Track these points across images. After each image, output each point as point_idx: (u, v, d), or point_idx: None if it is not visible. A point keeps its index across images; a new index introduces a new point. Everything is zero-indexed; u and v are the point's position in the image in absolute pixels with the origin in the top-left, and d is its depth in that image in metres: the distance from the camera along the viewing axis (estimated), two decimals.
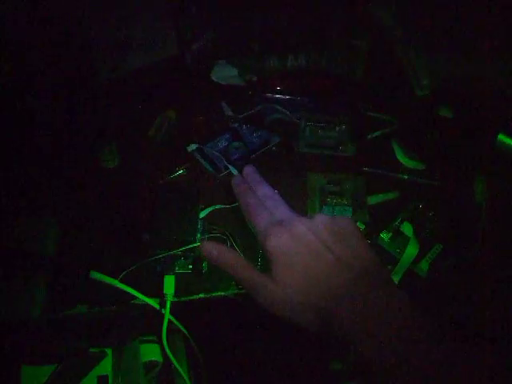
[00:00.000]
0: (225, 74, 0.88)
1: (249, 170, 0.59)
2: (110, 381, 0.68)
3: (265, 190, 0.55)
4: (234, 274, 0.47)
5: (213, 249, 0.49)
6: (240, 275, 0.47)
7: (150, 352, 0.71)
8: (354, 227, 0.48)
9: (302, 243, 0.46)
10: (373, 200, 0.77)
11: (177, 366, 0.66)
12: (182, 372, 0.66)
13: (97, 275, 0.62)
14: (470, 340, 0.40)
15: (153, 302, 0.64)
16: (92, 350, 0.70)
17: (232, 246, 0.69)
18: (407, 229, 0.73)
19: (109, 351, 0.70)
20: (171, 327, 0.65)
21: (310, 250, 0.45)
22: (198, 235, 0.69)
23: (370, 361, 0.40)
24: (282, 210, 0.51)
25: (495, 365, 0.38)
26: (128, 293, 0.63)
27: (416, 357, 0.38)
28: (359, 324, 0.41)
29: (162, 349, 0.66)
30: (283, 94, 0.88)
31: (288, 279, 0.45)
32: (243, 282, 0.47)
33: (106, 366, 0.69)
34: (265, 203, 0.52)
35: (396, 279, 0.69)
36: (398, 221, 0.74)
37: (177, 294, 0.65)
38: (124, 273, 0.64)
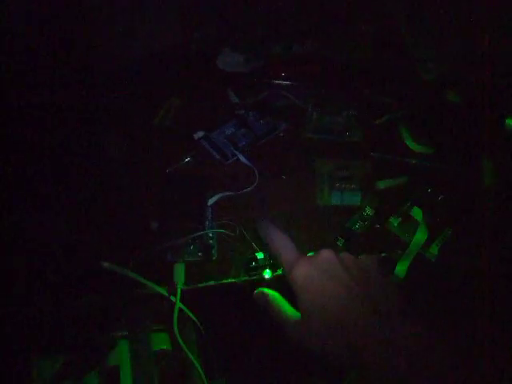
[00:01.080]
0: (230, 60, 0.88)
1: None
2: (121, 370, 0.67)
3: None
4: (270, 316, 0.51)
5: (257, 295, 0.54)
6: (274, 317, 0.50)
7: (161, 341, 0.71)
8: (376, 264, 0.49)
9: (327, 275, 0.47)
10: (382, 185, 0.76)
11: (188, 354, 0.65)
12: (193, 360, 0.66)
13: (107, 264, 0.61)
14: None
15: (163, 291, 0.64)
16: (102, 339, 0.70)
17: (241, 232, 0.68)
18: (417, 213, 0.72)
19: (119, 341, 0.70)
20: (182, 315, 0.65)
21: (334, 280, 0.46)
22: (207, 222, 0.69)
23: None
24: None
25: None
26: (138, 281, 0.62)
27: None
28: (385, 364, 0.41)
29: (173, 337, 0.65)
30: (290, 81, 0.87)
31: (315, 322, 0.45)
32: (278, 323, 0.49)
33: (116, 356, 0.68)
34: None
35: (406, 264, 0.69)
36: (408, 205, 0.73)
37: (187, 281, 0.65)
38: (134, 261, 0.64)
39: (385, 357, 0.42)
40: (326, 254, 0.49)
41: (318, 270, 0.47)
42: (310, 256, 0.50)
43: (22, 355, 0.66)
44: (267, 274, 0.65)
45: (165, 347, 0.71)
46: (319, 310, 0.45)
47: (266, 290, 0.55)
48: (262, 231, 0.58)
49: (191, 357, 0.65)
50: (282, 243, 0.53)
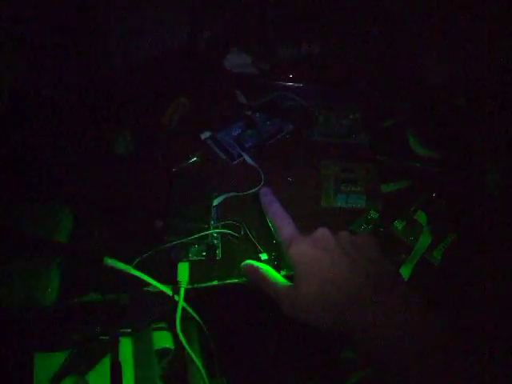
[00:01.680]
0: (238, 61, 0.88)
1: (265, 191, 0.65)
2: (123, 367, 0.68)
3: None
4: (263, 287, 0.54)
5: (247, 267, 0.59)
6: (267, 287, 0.54)
7: (163, 339, 0.71)
8: (373, 240, 0.53)
9: (322, 248, 0.51)
10: (386, 188, 0.76)
11: (190, 353, 0.65)
12: (195, 359, 0.66)
13: (110, 262, 0.61)
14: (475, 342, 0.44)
15: (166, 289, 0.64)
16: (105, 337, 0.70)
17: (245, 233, 0.68)
18: (421, 217, 0.72)
19: (122, 338, 0.70)
20: (185, 314, 0.64)
21: (328, 255, 0.50)
22: (212, 222, 0.69)
23: (377, 359, 0.44)
24: None
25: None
26: (141, 280, 0.62)
27: (424, 360, 0.42)
28: (370, 326, 0.44)
29: (175, 336, 0.66)
30: (297, 82, 0.87)
31: (308, 286, 0.49)
32: (271, 293, 0.53)
33: (119, 353, 0.69)
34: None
35: (409, 267, 0.69)
36: (412, 209, 0.73)
37: (190, 281, 0.65)
38: (138, 260, 0.64)
39: (368, 321, 0.44)
40: (322, 231, 0.53)
41: (314, 246, 0.51)
42: (306, 234, 0.54)
43: (24, 351, 0.66)
44: (264, 255, 0.65)
45: (167, 346, 0.71)
46: (312, 277, 0.49)
47: (254, 263, 0.60)
48: (263, 201, 0.62)
49: (193, 356, 0.66)
50: (282, 220, 0.58)
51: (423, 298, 0.47)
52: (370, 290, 0.46)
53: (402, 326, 0.43)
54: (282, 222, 0.57)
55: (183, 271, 0.65)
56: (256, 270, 0.58)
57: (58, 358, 0.67)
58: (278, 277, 0.55)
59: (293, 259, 0.52)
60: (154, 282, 0.63)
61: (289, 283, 0.52)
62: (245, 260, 0.64)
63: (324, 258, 0.50)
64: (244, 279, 0.66)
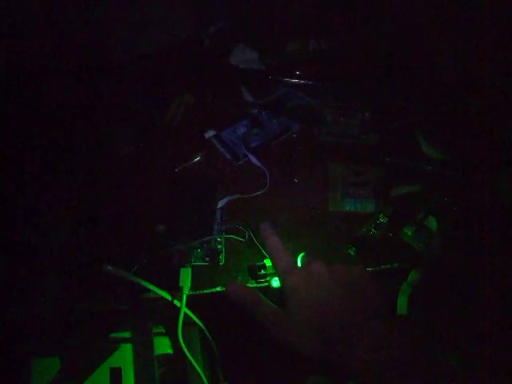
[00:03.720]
0: (244, 57, 0.85)
1: (265, 225, 0.63)
2: (122, 373, 0.67)
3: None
4: (253, 309, 0.54)
5: (237, 288, 0.56)
6: (258, 310, 0.54)
7: (164, 345, 0.70)
8: (367, 274, 0.54)
9: (315, 283, 0.52)
10: (396, 192, 0.74)
11: (191, 359, 0.64)
12: (196, 366, 0.65)
13: (110, 268, 0.60)
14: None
15: (167, 295, 0.62)
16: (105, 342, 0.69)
17: (250, 237, 0.67)
18: (431, 223, 0.70)
19: (123, 343, 0.69)
20: (186, 320, 0.63)
21: (321, 290, 0.51)
22: (215, 226, 0.67)
23: None
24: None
25: None
26: (142, 285, 0.61)
27: None
28: (360, 361, 0.45)
29: (176, 342, 0.64)
30: (305, 80, 0.84)
31: (300, 314, 0.51)
32: (261, 316, 0.53)
33: (118, 358, 0.68)
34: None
35: (419, 274, 0.67)
36: (422, 214, 0.71)
37: (193, 286, 0.64)
38: (138, 265, 0.62)
39: (356, 353, 0.46)
40: (316, 266, 0.54)
41: (308, 280, 0.52)
42: (301, 267, 0.56)
43: (22, 356, 0.65)
44: (276, 282, 0.63)
45: (168, 351, 0.70)
46: (303, 308, 0.51)
47: (243, 284, 0.62)
48: (263, 234, 0.61)
49: (193, 361, 0.64)
50: (279, 253, 0.58)
51: (418, 334, 0.48)
52: (362, 325, 0.48)
53: (392, 364, 0.45)
54: (278, 255, 0.58)
55: (185, 277, 0.64)
56: (244, 289, 0.57)
57: (56, 364, 0.66)
58: (268, 301, 0.55)
59: (287, 292, 0.53)
60: (154, 288, 0.61)
61: (280, 310, 0.53)
62: (248, 265, 0.66)
63: (317, 292, 0.51)
64: (249, 285, 0.65)
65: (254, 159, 0.74)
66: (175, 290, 0.63)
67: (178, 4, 0.81)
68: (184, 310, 0.62)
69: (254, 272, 0.64)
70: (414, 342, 0.46)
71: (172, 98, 0.81)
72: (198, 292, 0.64)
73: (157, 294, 0.62)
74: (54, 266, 0.63)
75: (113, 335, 0.69)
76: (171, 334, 0.71)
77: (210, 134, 0.77)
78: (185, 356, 0.65)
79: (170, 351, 0.71)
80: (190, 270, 0.64)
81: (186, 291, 0.62)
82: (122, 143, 0.75)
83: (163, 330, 0.71)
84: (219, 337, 0.68)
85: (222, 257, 0.66)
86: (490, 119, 0.80)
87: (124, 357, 0.68)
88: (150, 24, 0.79)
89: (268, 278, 0.64)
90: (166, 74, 0.83)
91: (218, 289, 0.65)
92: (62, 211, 0.67)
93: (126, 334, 0.69)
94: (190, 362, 0.65)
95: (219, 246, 0.67)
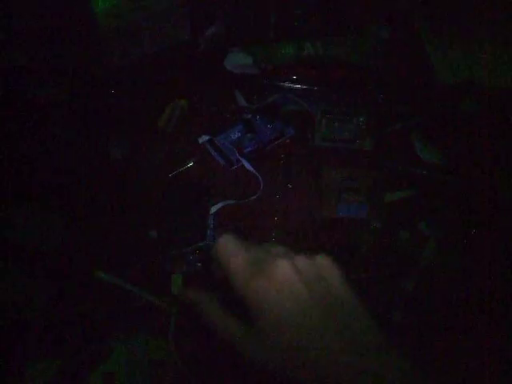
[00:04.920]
0: (239, 62, 0.85)
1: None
2: (116, 378, 0.67)
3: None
4: (211, 322, 0.47)
5: (193, 294, 0.49)
6: (217, 324, 0.46)
7: (157, 350, 0.70)
8: (334, 267, 0.46)
9: (285, 289, 0.43)
10: (391, 197, 0.74)
11: (182, 365, 0.64)
12: (187, 371, 0.65)
13: (101, 274, 0.60)
14: None
15: (160, 301, 0.62)
16: (98, 346, 0.69)
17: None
18: (426, 228, 0.70)
19: (116, 348, 0.69)
20: (180, 325, 0.63)
21: (293, 297, 0.43)
22: (208, 232, 0.67)
23: None
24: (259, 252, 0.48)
25: None
26: (134, 291, 0.61)
27: None
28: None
29: (169, 348, 0.64)
30: (299, 84, 0.84)
31: (268, 330, 0.42)
32: (222, 333, 0.46)
33: (112, 364, 0.68)
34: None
35: (413, 281, 0.67)
36: (417, 219, 0.71)
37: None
38: (130, 271, 0.62)
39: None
40: (284, 269, 0.44)
41: (276, 286, 0.43)
42: (266, 270, 0.44)
43: (16, 359, 0.66)
44: None
45: (160, 357, 0.70)
46: (275, 326, 0.42)
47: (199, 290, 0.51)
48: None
49: (185, 367, 0.64)
50: (233, 251, 0.48)
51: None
52: (343, 343, 0.41)
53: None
54: (231, 254, 0.47)
55: (177, 283, 0.64)
56: (204, 299, 0.49)
57: (50, 368, 0.66)
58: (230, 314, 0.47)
59: (251, 298, 0.44)
60: (145, 295, 0.61)
61: (247, 325, 0.44)
62: None
63: (288, 305, 0.43)
64: None
65: (247, 164, 0.74)
66: (167, 296, 0.63)
67: (173, 8, 0.81)
68: (175, 316, 0.62)
69: None
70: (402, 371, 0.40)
71: (166, 102, 0.80)
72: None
73: (149, 300, 0.62)
74: (47, 270, 0.63)
75: (107, 340, 0.69)
76: (165, 339, 0.71)
77: (203, 139, 0.77)
78: (178, 361, 0.65)
79: (163, 357, 0.71)
80: (180, 276, 0.64)
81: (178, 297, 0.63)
82: (116, 147, 0.74)
83: (157, 335, 0.71)
84: (211, 344, 0.68)
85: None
86: (486, 123, 0.80)
87: (118, 362, 0.68)
88: (144, 28, 0.79)
89: None
90: (160, 79, 0.83)
91: None
92: (54, 216, 0.67)
93: (120, 339, 0.69)
94: (182, 367, 0.65)
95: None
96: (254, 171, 0.74)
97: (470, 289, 0.69)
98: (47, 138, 0.75)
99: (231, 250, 0.47)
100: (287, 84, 0.84)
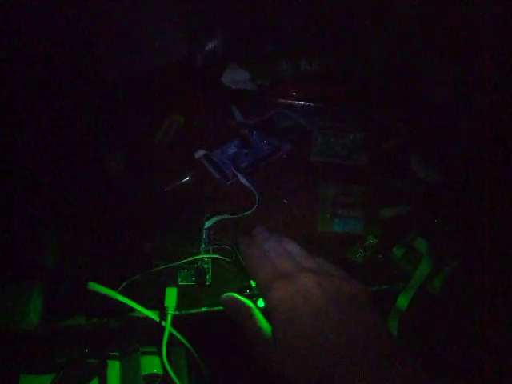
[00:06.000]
0: (236, 77, 0.86)
1: (258, 230, 0.62)
2: None
3: (270, 244, 0.56)
4: (242, 328, 0.49)
5: (230, 301, 0.54)
6: (246, 331, 0.49)
7: (151, 364, 0.69)
8: (365, 294, 0.48)
9: (305, 298, 0.46)
10: (386, 213, 0.74)
11: (176, 380, 0.63)
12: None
13: (95, 286, 0.59)
14: None
15: (153, 315, 0.62)
16: (92, 360, 0.69)
17: (237, 258, 0.66)
18: (421, 245, 0.70)
19: (109, 362, 0.68)
20: (173, 340, 0.63)
21: (312, 307, 0.45)
22: (203, 246, 0.67)
23: None
24: (286, 263, 0.52)
25: None
26: (128, 304, 0.61)
27: None
28: None
29: (163, 361, 0.64)
30: (296, 100, 0.85)
31: (289, 340, 0.44)
32: (248, 339, 0.48)
33: (105, 377, 0.67)
34: (269, 256, 0.53)
35: (408, 297, 0.66)
36: (412, 236, 0.71)
37: (179, 306, 0.63)
38: (124, 284, 0.62)
39: None
40: (304, 279, 0.48)
41: (294, 296, 0.46)
42: (286, 278, 0.48)
43: (9, 372, 0.65)
44: (262, 303, 0.62)
45: (155, 371, 0.69)
46: (290, 330, 0.44)
47: (238, 297, 0.55)
48: (241, 247, 0.59)
49: (177, 382, 0.63)
50: (259, 262, 0.53)
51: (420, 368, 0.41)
52: (354, 353, 0.42)
53: None
54: (257, 265, 0.53)
55: (171, 296, 0.63)
56: (238, 306, 0.53)
57: (43, 381, 0.65)
58: (260, 318, 0.50)
59: (270, 310, 0.47)
60: (139, 308, 0.61)
61: (269, 331, 0.47)
62: (235, 285, 0.63)
63: (306, 313, 0.45)
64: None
65: (243, 179, 0.74)
66: (161, 310, 0.63)
67: (171, 24, 0.82)
68: (169, 329, 0.61)
69: (240, 293, 0.64)
70: (416, 378, 0.40)
71: (163, 117, 0.81)
72: (183, 312, 0.64)
73: (143, 313, 0.62)
74: (41, 282, 0.62)
75: (100, 354, 0.69)
76: (158, 353, 0.71)
77: (199, 154, 0.77)
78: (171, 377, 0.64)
79: (157, 371, 0.70)
80: (175, 289, 0.64)
81: (172, 311, 0.62)
82: (112, 161, 0.75)
83: (153, 350, 0.71)
84: (208, 358, 0.67)
85: (208, 277, 0.66)
86: (482, 140, 0.80)
87: (111, 376, 0.67)
88: (143, 44, 0.80)
89: (254, 299, 0.63)
90: (158, 94, 0.83)
91: (204, 309, 0.64)
92: (49, 229, 0.67)
93: (114, 353, 0.68)
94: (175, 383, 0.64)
95: (206, 266, 0.66)
96: (250, 186, 0.74)
97: (466, 304, 0.68)
98: (44, 152, 0.75)
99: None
100: (284, 100, 0.85)
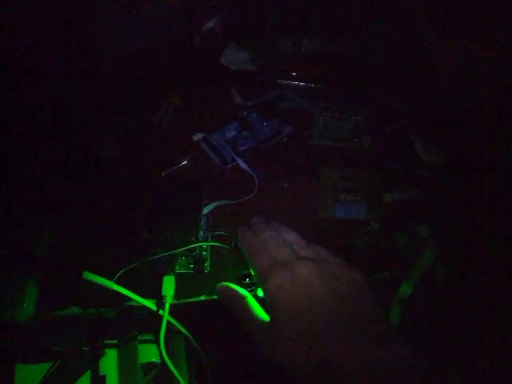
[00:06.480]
0: (235, 58, 0.83)
1: (255, 219, 0.63)
2: (107, 381, 0.66)
3: (268, 233, 0.58)
4: (240, 316, 0.51)
5: (226, 290, 0.56)
6: (244, 318, 0.50)
7: (149, 353, 0.69)
8: (362, 279, 0.50)
9: (301, 285, 0.47)
10: (389, 197, 0.72)
11: (173, 370, 0.62)
12: (178, 376, 0.63)
13: (90, 276, 0.58)
14: None
15: (150, 304, 0.61)
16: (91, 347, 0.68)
17: (236, 245, 0.65)
18: (425, 230, 0.68)
19: (107, 351, 0.68)
20: (171, 328, 0.62)
21: (311, 295, 0.46)
22: (201, 233, 0.65)
23: None
24: (284, 252, 0.53)
25: None
26: (124, 293, 0.60)
27: None
28: (358, 374, 0.40)
29: (161, 351, 0.63)
30: (297, 81, 0.82)
31: (289, 328, 0.45)
32: (247, 327, 0.50)
33: (103, 366, 0.66)
34: (267, 245, 0.55)
35: (411, 285, 0.65)
36: (416, 221, 0.69)
37: (177, 295, 0.62)
38: (120, 273, 0.61)
39: (354, 374, 0.40)
40: (301, 267, 0.49)
41: (292, 283, 0.48)
42: (284, 266, 0.50)
43: (5, 362, 0.64)
44: (261, 292, 0.61)
45: (153, 359, 0.69)
46: (289, 318, 0.45)
47: (233, 286, 0.57)
48: (239, 236, 0.60)
49: (175, 372, 0.63)
50: (257, 250, 0.55)
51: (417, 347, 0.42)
52: (356, 339, 0.43)
53: (390, 379, 0.39)
54: (255, 253, 0.55)
55: (169, 285, 0.62)
56: (234, 296, 0.54)
57: (40, 371, 0.65)
58: (256, 307, 0.51)
59: (268, 297, 0.49)
60: (136, 297, 0.60)
61: (267, 320, 0.48)
62: (234, 273, 0.63)
63: (304, 299, 0.46)
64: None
65: (242, 163, 0.73)
66: (159, 299, 0.61)
67: (168, 3, 0.80)
68: (167, 318, 0.60)
69: (239, 281, 0.63)
70: (414, 356, 0.41)
71: (160, 99, 0.79)
72: (181, 301, 0.63)
73: (140, 302, 0.61)
74: (36, 272, 0.61)
75: (97, 343, 0.68)
76: (156, 341, 0.70)
77: (198, 136, 0.75)
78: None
79: (155, 359, 0.69)
80: (173, 278, 0.62)
81: (169, 300, 0.61)
82: (108, 146, 0.73)
83: (151, 338, 0.70)
84: (207, 346, 0.67)
85: (207, 264, 0.65)
86: (487, 123, 0.78)
87: (109, 365, 0.66)
88: (139, 21, 0.78)
89: (254, 288, 0.62)
90: (154, 75, 0.81)
91: (203, 297, 0.63)
92: (44, 217, 0.65)
93: (111, 342, 0.68)
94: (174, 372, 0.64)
95: (204, 254, 0.65)
96: (250, 170, 0.73)
97: (470, 292, 0.67)
98: (39, 137, 0.73)
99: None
100: (285, 81, 0.83)
